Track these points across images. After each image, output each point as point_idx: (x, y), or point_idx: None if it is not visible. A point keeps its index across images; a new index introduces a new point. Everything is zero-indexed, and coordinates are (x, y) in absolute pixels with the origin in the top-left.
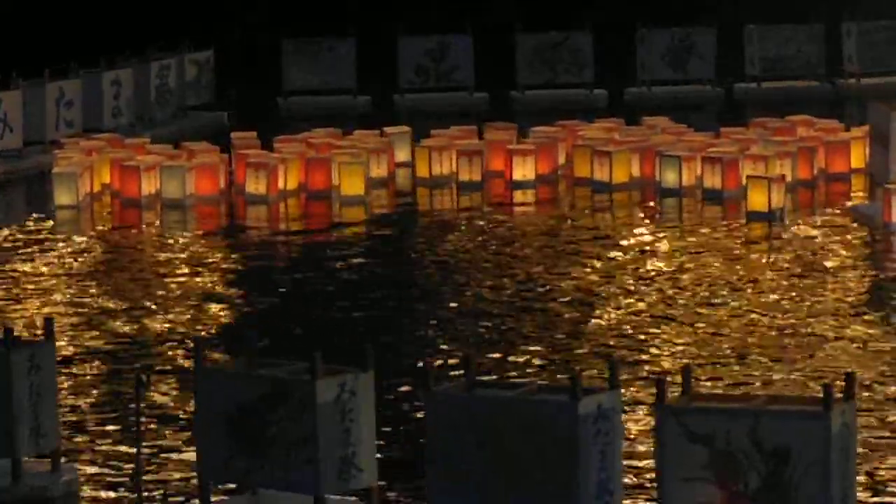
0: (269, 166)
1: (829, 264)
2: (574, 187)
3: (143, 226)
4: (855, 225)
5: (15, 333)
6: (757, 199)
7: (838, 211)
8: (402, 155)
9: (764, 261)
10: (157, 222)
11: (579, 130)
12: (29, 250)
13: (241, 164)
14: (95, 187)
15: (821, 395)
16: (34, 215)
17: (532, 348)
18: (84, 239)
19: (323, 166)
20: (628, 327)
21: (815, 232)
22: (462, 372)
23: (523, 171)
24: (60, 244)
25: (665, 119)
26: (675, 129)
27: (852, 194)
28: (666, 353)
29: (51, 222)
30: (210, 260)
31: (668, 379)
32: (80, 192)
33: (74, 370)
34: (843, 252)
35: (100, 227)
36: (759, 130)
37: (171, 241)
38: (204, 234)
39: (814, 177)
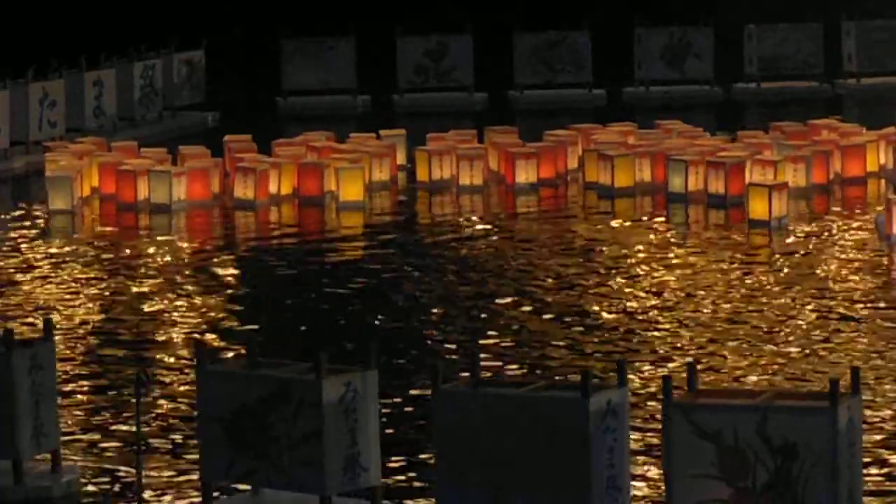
0: (257, 171)
1: (832, 271)
2: (586, 191)
3: (140, 230)
4: (867, 232)
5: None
6: (758, 207)
7: (863, 224)
8: (398, 158)
9: (764, 268)
10: (152, 227)
11: (593, 134)
12: (24, 251)
13: (234, 169)
14: (86, 191)
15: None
16: (26, 221)
17: (535, 348)
18: (80, 243)
19: (315, 171)
20: (631, 328)
21: (817, 240)
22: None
23: (526, 174)
24: (56, 247)
25: (680, 122)
26: (691, 132)
27: (869, 200)
28: (670, 352)
29: (43, 224)
30: (200, 264)
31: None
32: (74, 197)
33: (74, 370)
34: (849, 260)
35: (94, 232)
36: (777, 134)
37: (164, 246)
38: (194, 240)
39: (829, 181)
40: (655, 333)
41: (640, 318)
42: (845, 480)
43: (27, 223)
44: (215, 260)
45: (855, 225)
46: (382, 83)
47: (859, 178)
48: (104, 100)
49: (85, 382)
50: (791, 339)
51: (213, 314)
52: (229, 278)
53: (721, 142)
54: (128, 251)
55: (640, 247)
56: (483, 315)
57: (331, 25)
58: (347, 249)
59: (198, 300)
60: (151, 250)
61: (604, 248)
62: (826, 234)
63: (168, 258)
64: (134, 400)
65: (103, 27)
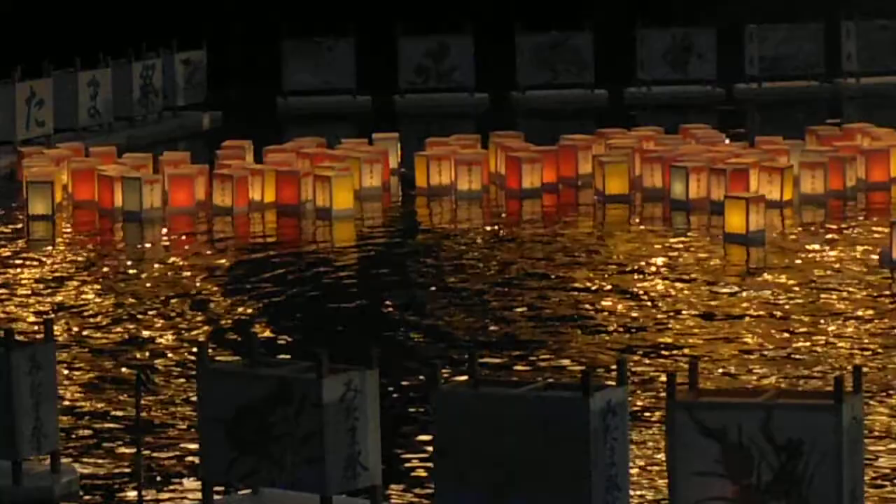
0: (234, 178)
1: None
2: (595, 197)
3: (118, 237)
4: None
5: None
6: (734, 221)
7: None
8: (391, 161)
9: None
10: (128, 234)
11: (610, 138)
12: (12, 254)
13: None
14: (61, 197)
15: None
16: (9, 225)
17: (537, 348)
18: (64, 248)
19: (292, 179)
20: (628, 330)
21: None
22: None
23: (530, 179)
24: (44, 251)
25: (703, 127)
26: (713, 137)
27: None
28: (672, 353)
29: (26, 226)
30: (191, 267)
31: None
32: (54, 202)
33: (74, 371)
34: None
35: (74, 237)
36: (803, 140)
37: (144, 252)
38: (173, 246)
39: (847, 188)
40: (652, 335)
41: (634, 320)
42: (848, 478)
43: (8, 225)
44: (190, 263)
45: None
46: (383, 83)
47: (883, 184)
48: (100, 100)
49: (83, 382)
50: (790, 341)
51: (208, 314)
52: (206, 284)
53: (737, 148)
54: (108, 256)
55: (631, 252)
56: (480, 317)
57: (331, 25)
58: (334, 256)
59: (186, 304)
60: (133, 256)
61: (595, 254)
62: (828, 247)
63: (148, 264)
64: (134, 399)
65: (103, 28)
